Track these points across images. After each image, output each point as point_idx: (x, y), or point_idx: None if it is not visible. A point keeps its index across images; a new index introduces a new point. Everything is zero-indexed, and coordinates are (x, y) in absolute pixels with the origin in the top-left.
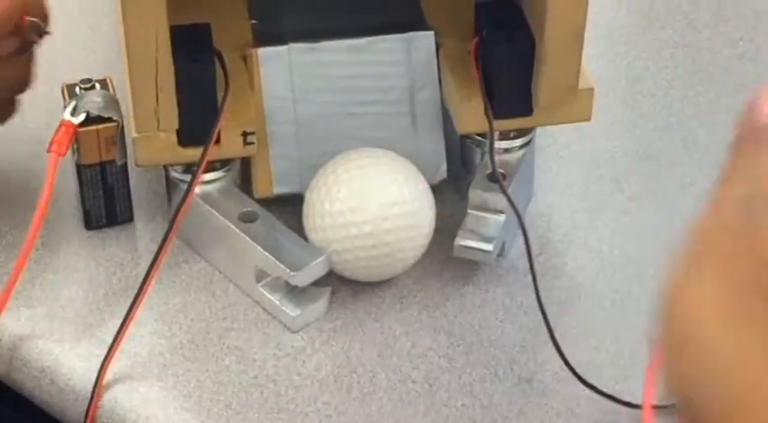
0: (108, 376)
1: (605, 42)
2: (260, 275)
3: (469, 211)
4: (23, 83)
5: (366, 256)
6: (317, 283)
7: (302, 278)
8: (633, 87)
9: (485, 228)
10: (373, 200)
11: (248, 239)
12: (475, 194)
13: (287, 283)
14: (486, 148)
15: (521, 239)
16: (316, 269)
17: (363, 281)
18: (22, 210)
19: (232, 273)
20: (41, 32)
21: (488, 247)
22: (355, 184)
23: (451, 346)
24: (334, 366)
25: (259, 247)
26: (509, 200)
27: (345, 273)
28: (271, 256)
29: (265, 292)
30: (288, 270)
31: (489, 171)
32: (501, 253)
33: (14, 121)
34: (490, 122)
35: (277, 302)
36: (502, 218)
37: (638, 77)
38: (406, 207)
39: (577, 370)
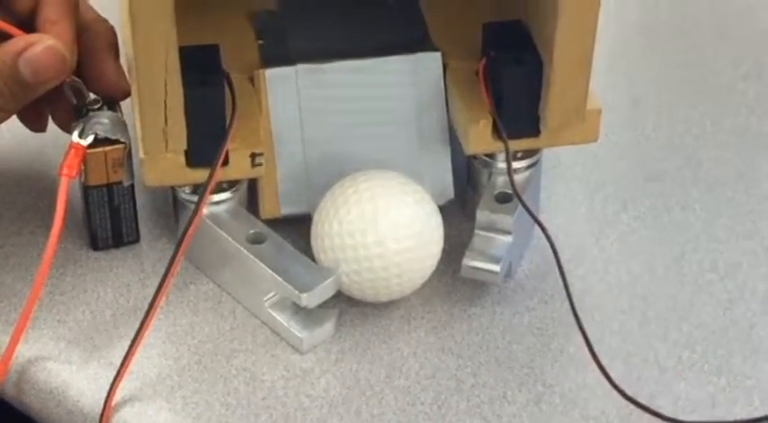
0: (117, 398)
1: (609, 63)
2: (268, 297)
3: (477, 231)
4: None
5: (374, 278)
6: (326, 305)
7: (311, 299)
8: (637, 108)
9: (492, 248)
10: (382, 221)
11: (257, 261)
12: (482, 215)
13: (295, 305)
14: (494, 169)
15: (528, 260)
16: (324, 291)
17: (372, 302)
18: (29, 229)
19: (240, 294)
20: (80, 95)
21: (496, 267)
22: (364, 206)
23: (460, 368)
24: (343, 388)
25: (267, 269)
26: (531, 215)
27: (354, 294)
28: (279, 278)
29: (274, 314)
30: (296, 291)
31: (497, 192)
32: (508, 273)
33: (21, 140)
34: (506, 143)
35: (285, 324)
36: (509, 239)
37: (642, 98)
38: (415, 228)
39: (585, 390)
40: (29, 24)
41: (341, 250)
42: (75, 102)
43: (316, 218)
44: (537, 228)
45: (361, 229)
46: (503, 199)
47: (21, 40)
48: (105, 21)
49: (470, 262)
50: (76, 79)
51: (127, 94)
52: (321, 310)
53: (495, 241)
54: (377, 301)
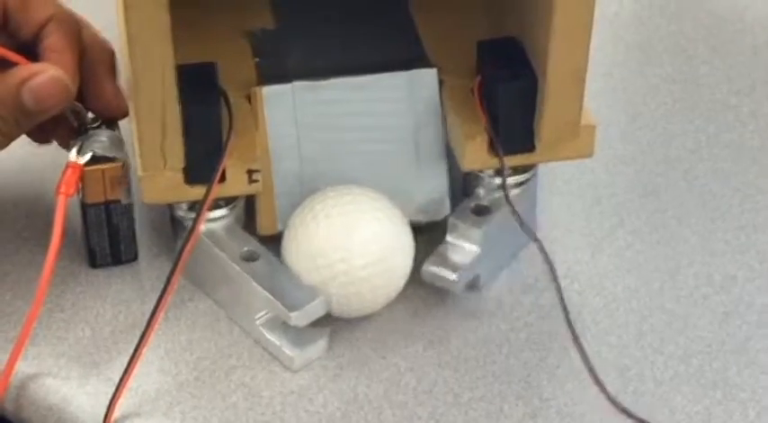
0: (116, 414)
1: (604, 78)
2: (260, 315)
3: (447, 238)
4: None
5: (341, 293)
6: (320, 322)
7: (300, 318)
8: (633, 123)
9: (456, 257)
10: (349, 237)
11: (249, 278)
12: (453, 223)
13: (286, 324)
14: (483, 184)
15: (525, 274)
16: (314, 310)
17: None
18: (26, 247)
19: (233, 311)
20: (81, 118)
21: (453, 276)
22: (334, 222)
23: (457, 382)
24: (341, 403)
25: (258, 287)
26: (526, 229)
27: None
28: (270, 296)
29: (264, 332)
30: (286, 310)
31: (474, 203)
32: (475, 285)
33: (20, 159)
34: (501, 159)
35: (276, 342)
36: (475, 249)
37: (637, 113)
38: (382, 242)
39: (582, 404)
40: (32, 51)
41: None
42: (75, 124)
43: (285, 234)
44: (529, 243)
45: (331, 246)
46: (478, 211)
47: (25, 69)
48: (105, 41)
49: (430, 267)
50: (77, 103)
51: (125, 114)
52: (313, 329)
53: (462, 250)
54: (347, 316)
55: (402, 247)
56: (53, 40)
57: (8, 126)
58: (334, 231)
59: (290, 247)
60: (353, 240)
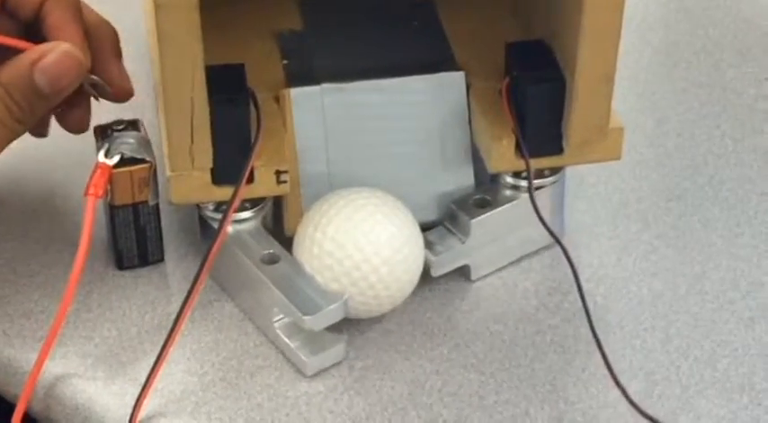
0: (142, 414)
1: (631, 82)
2: (278, 318)
3: (443, 223)
4: (80, 127)
5: (353, 293)
6: (340, 326)
7: (315, 323)
8: (659, 127)
9: (443, 241)
10: (358, 238)
11: (267, 281)
12: (450, 211)
13: (303, 328)
14: (501, 181)
15: (550, 278)
16: (330, 314)
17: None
18: (53, 247)
19: (253, 313)
20: (102, 91)
21: (433, 258)
22: (342, 223)
23: (482, 385)
24: (366, 405)
25: (276, 290)
26: (550, 233)
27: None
28: (286, 299)
29: (281, 335)
30: (300, 314)
31: (478, 196)
32: (467, 276)
33: (47, 160)
34: (527, 162)
35: (292, 346)
36: (464, 238)
37: (664, 117)
38: (394, 243)
39: (607, 408)
40: (34, 31)
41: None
42: (97, 99)
43: (298, 233)
44: (553, 245)
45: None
46: (479, 203)
47: (33, 51)
48: (107, 23)
49: None
50: (93, 76)
51: (130, 96)
52: (330, 334)
53: (451, 237)
54: (357, 317)
55: (412, 248)
56: (55, 17)
57: (23, 112)
58: (347, 233)
59: (302, 248)
60: (367, 240)
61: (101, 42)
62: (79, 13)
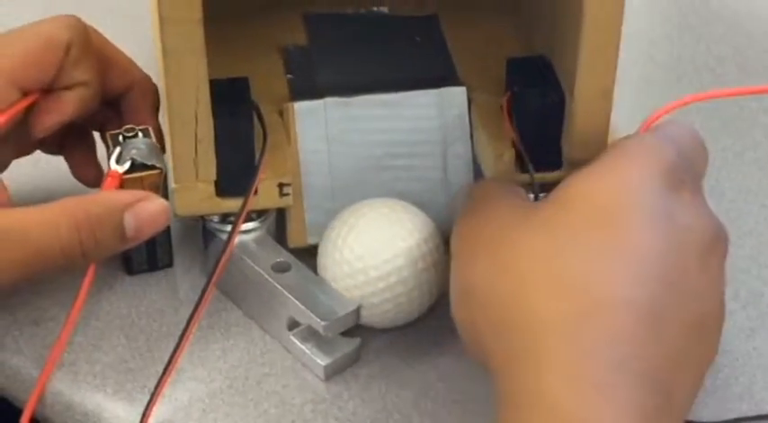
0: (150, 421)
1: (632, 96)
2: (292, 325)
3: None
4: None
5: (375, 303)
6: (351, 332)
7: (332, 328)
8: None
9: None
10: (382, 248)
11: (281, 289)
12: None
13: (317, 333)
14: None
15: None
16: (346, 320)
17: (379, 328)
18: None
19: (264, 321)
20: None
21: None
22: (366, 234)
23: (487, 393)
24: (372, 412)
25: (291, 297)
26: None
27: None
28: (302, 306)
29: (296, 341)
30: (318, 320)
31: None
32: None
33: (58, 166)
34: (532, 176)
35: (307, 352)
36: None
37: None
38: (414, 253)
39: None
40: (113, 105)
41: (347, 278)
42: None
43: (321, 248)
44: None
45: (359, 256)
46: None
47: (127, 192)
48: (149, 79)
49: None
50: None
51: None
52: (344, 339)
53: None
54: (382, 326)
55: (435, 262)
56: (135, 103)
57: (98, 250)
58: (372, 243)
59: (327, 260)
60: (390, 253)
61: (141, 99)
62: (158, 103)
